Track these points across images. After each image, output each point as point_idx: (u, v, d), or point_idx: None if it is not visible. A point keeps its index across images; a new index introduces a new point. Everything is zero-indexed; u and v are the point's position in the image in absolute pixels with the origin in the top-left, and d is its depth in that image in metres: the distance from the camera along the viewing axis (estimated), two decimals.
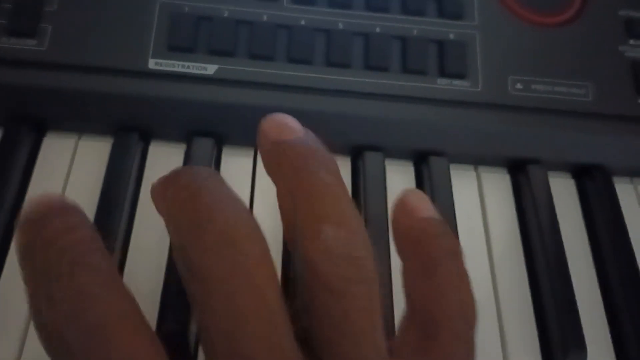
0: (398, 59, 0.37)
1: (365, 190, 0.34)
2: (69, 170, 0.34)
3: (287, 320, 0.20)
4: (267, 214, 0.34)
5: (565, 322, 0.32)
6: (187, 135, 0.35)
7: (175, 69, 0.35)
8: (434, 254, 0.23)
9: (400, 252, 0.25)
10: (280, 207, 0.25)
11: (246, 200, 0.35)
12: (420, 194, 0.26)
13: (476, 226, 0.35)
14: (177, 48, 0.35)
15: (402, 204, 0.25)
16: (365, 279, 0.21)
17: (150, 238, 0.32)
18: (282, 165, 0.24)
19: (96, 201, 0.33)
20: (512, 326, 0.32)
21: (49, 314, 0.20)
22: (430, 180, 0.35)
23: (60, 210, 0.21)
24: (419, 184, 0.36)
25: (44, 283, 0.20)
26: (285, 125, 0.25)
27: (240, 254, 0.20)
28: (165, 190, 0.23)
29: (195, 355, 0.30)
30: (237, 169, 0.36)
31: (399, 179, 0.36)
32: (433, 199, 0.34)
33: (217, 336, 0.19)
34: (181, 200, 0.22)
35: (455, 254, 0.24)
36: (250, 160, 0.36)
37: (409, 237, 0.24)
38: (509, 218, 0.36)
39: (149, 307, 0.30)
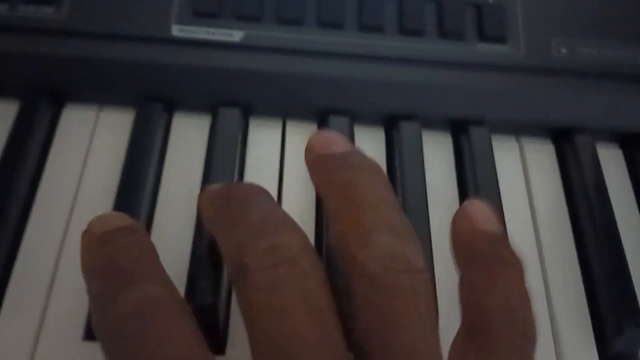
0: (434, 22, 0.35)
1: (402, 163, 0.32)
2: (89, 143, 0.32)
3: (337, 325, 0.20)
4: (297, 188, 0.32)
5: (618, 298, 0.30)
6: (212, 105, 0.34)
7: (200, 36, 0.33)
8: (496, 268, 0.22)
9: (459, 262, 0.24)
10: (328, 214, 0.24)
11: (275, 173, 0.33)
12: (483, 206, 0.24)
13: (520, 199, 0.33)
14: (202, 13, 0.34)
15: (464, 214, 0.24)
16: (413, 274, 0.21)
17: (174, 213, 0.31)
18: (330, 176, 0.24)
19: (118, 175, 0.31)
20: (561, 303, 0.30)
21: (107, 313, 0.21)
22: (471, 152, 0.33)
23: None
24: (458, 155, 0.34)
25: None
26: (332, 140, 0.25)
27: (295, 271, 0.21)
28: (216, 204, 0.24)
29: (225, 329, 0.28)
30: (266, 140, 0.34)
31: (436, 151, 0.34)
32: (474, 172, 0.32)
33: (269, 351, 0.19)
34: (234, 214, 0.23)
35: (518, 269, 0.23)
36: (279, 131, 0.34)
37: (469, 248, 0.23)
38: (555, 191, 0.34)
39: (176, 281, 0.29)
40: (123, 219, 0.23)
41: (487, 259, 0.22)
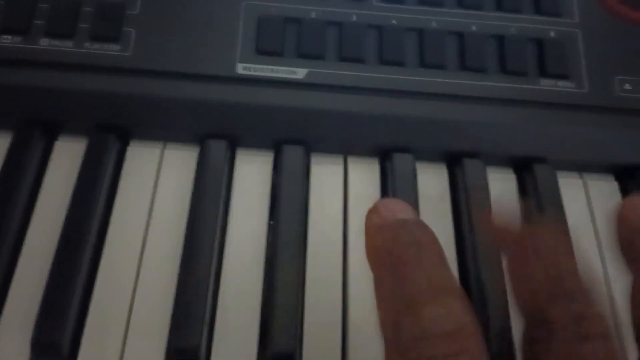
0: (496, 59, 0.35)
1: (469, 200, 0.32)
2: (156, 179, 0.33)
3: None
4: (362, 224, 0.32)
5: None
6: (274, 142, 0.34)
7: (265, 74, 0.33)
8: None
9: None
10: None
11: (339, 210, 0.33)
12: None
13: (587, 236, 0.33)
14: (266, 52, 0.34)
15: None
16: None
17: (243, 250, 0.31)
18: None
19: (186, 211, 0.31)
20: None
21: None
22: (536, 190, 0.33)
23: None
24: (523, 193, 0.34)
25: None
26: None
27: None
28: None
29: None
30: (328, 177, 0.34)
31: (500, 188, 0.34)
32: (541, 209, 0.32)
33: None
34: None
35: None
36: (341, 168, 0.34)
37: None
38: None
39: (247, 324, 0.29)
40: None
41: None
